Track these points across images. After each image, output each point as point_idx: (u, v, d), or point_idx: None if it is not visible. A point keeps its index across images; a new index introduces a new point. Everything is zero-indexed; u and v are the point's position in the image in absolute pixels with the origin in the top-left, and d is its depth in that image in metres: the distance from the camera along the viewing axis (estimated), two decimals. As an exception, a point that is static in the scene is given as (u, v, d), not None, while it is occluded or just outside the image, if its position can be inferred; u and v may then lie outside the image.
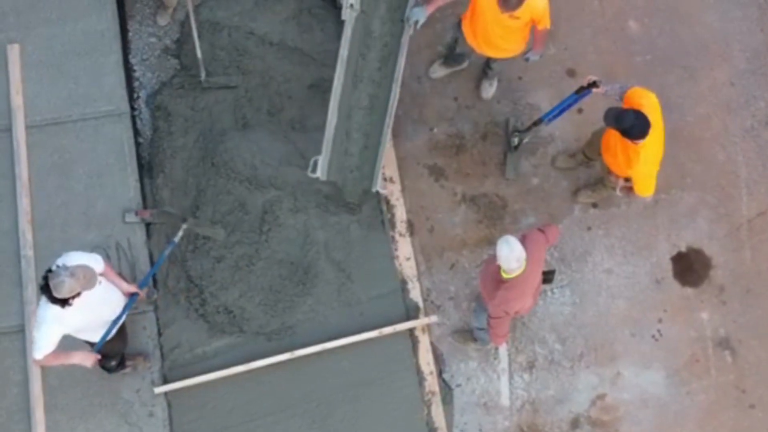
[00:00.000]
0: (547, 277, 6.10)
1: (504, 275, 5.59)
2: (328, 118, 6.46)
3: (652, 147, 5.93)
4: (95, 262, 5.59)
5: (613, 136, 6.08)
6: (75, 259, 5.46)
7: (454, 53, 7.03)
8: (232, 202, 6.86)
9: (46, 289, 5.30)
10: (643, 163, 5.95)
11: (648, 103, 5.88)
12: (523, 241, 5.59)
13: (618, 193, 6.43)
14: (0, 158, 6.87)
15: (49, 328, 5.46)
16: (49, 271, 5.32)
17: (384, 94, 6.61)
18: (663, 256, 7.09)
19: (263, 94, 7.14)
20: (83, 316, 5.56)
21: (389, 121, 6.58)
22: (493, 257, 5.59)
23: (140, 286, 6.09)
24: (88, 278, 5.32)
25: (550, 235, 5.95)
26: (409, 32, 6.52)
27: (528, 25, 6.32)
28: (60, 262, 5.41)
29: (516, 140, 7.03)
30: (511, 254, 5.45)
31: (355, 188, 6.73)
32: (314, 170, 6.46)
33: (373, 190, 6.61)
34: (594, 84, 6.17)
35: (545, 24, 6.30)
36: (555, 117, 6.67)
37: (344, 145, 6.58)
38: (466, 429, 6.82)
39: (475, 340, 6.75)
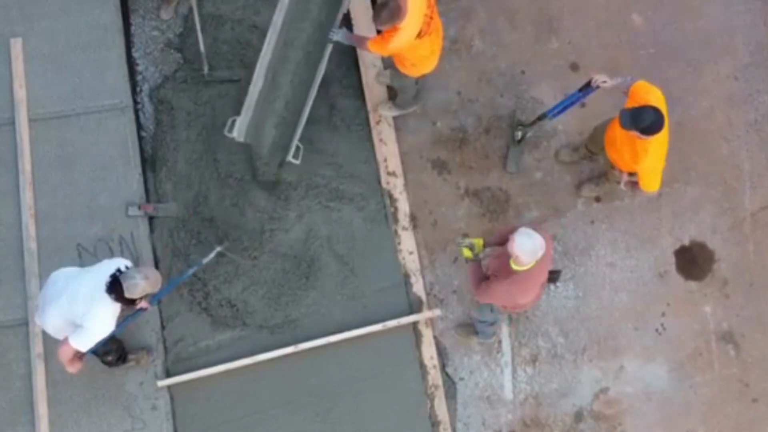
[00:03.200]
0: (553, 276, 6.10)
1: (514, 267, 5.57)
2: (253, 79, 6.38)
3: (658, 142, 5.91)
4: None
5: (616, 131, 6.06)
6: (121, 263, 5.64)
7: None
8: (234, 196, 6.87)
9: (114, 289, 5.45)
10: (651, 158, 5.93)
11: (654, 98, 5.86)
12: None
13: (622, 187, 6.41)
14: (3, 152, 6.88)
15: (105, 325, 5.57)
16: (119, 272, 5.51)
17: (313, 68, 6.58)
18: (666, 249, 7.08)
19: (266, 88, 7.14)
20: None
21: (312, 93, 6.53)
22: (501, 253, 5.56)
23: (152, 303, 6.06)
24: (157, 281, 5.57)
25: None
26: (344, 10, 6.55)
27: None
28: (121, 265, 5.59)
29: (519, 134, 7.03)
30: (533, 247, 5.42)
31: (270, 158, 6.67)
32: (231, 130, 6.40)
33: (287, 159, 6.52)
34: (599, 85, 6.14)
35: (371, 44, 6.17)
36: (559, 113, 6.67)
37: (266, 111, 6.51)
38: (470, 422, 6.82)
39: (477, 333, 6.75)
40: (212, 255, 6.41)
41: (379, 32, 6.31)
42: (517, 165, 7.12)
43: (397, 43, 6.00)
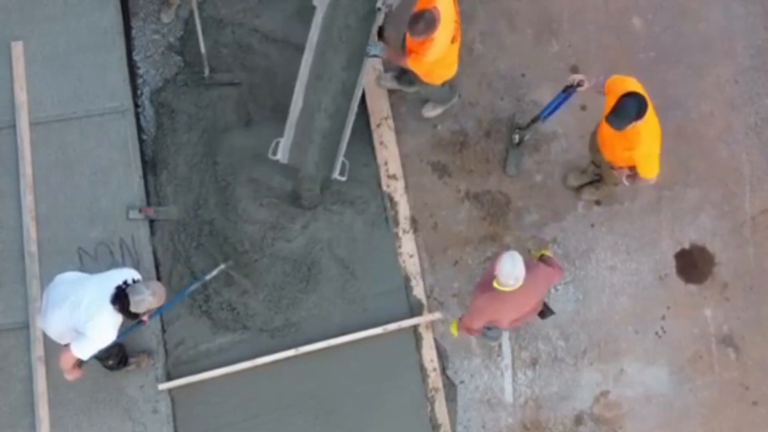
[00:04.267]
0: (543, 312, 6.14)
1: (495, 285, 5.60)
2: (293, 99, 6.38)
3: (649, 124, 5.89)
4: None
5: (604, 131, 6.06)
6: (129, 275, 5.62)
7: (405, 74, 6.96)
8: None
9: (118, 300, 5.45)
10: (645, 142, 5.90)
11: (630, 84, 5.86)
12: (528, 267, 5.55)
13: (624, 182, 6.36)
14: (4, 154, 6.88)
15: (106, 334, 5.57)
16: (126, 284, 5.49)
17: (351, 83, 6.57)
18: (666, 253, 7.09)
19: (267, 91, 7.14)
20: None
21: (353, 110, 6.52)
22: (493, 267, 5.60)
23: (152, 316, 6.00)
24: (162, 297, 5.57)
25: (555, 273, 5.95)
26: (378, 23, 6.51)
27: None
28: (128, 277, 5.57)
29: (517, 137, 7.04)
30: (512, 271, 5.46)
31: (315, 175, 6.66)
32: (275, 152, 6.40)
33: (333, 177, 6.53)
34: (579, 83, 6.18)
35: (411, 60, 6.13)
36: (550, 114, 6.68)
37: (308, 131, 6.52)
38: (470, 426, 6.83)
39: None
40: (215, 272, 6.44)
41: (403, 46, 6.30)
42: (517, 168, 7.13)
43: (434, 54, 5.99)
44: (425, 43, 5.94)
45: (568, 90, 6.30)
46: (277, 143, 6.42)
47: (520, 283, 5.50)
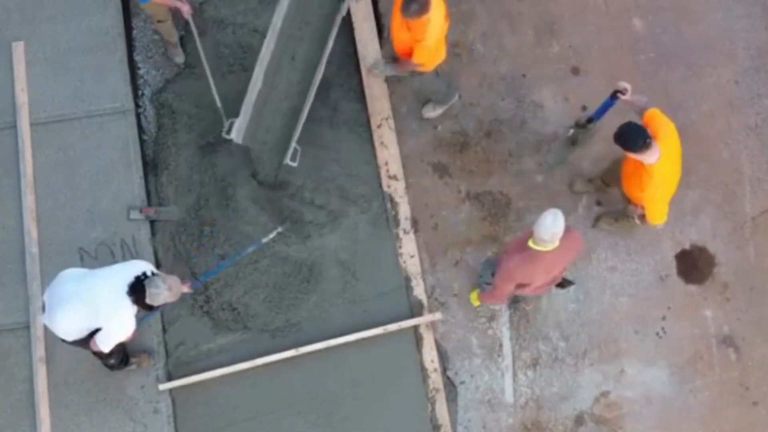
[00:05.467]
0: (563, 282, 6.14)
1: (531, 244, 5.57)
2: (251, 81, 6.35)
3: (664, 170, 5.89)
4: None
5: (628, 163, 6.07)
6: (146, 267, 5.67)
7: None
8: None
9: (135, 291, 5.50)
10: (654, 186, 5.91)
11: (666, 131, 5.85)
12: (568, 230, 5.55)
13: (637, 221, 6.41)
14: (5, 155, 6.89)
15: (127, 326, 5.65)
16: (144, 276, 5.54)
17: (312, 70, 6.57)
18: (667, 253, 7.09)
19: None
20: None
21: (310, 96, 6.52)
22: (525, 233, 5.59)
23: (195, 286, 6.21)
24: (178, 293, 5.65)
25: (581, 240, 5.94)
26: (341, 15, 6.56)
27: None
28: (147, 269, 5.63)
29: (571, 132, 7.03)
30: (551, 226, 5.42)
31: (268, 160, 6.67)
32: (229, 132, 6.37)
33: (284, 162, 6.52)
34: (623, 91, 6.18)
35: (417, 57, 6.19)
36: (600, 115, 6.69)
37: (265, 113, 6.50)
38: (470, 426, 6.83)
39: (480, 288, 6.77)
40: (272, 235, 6.49)
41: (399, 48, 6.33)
42: (556, 160, 7.13)
43: (433, 33, 6.03)
44: (421, 28, 5.96)
45: (615, 96, 6.30)
46: (232, 123, 6.37)
47: (556, 242, 5.48)
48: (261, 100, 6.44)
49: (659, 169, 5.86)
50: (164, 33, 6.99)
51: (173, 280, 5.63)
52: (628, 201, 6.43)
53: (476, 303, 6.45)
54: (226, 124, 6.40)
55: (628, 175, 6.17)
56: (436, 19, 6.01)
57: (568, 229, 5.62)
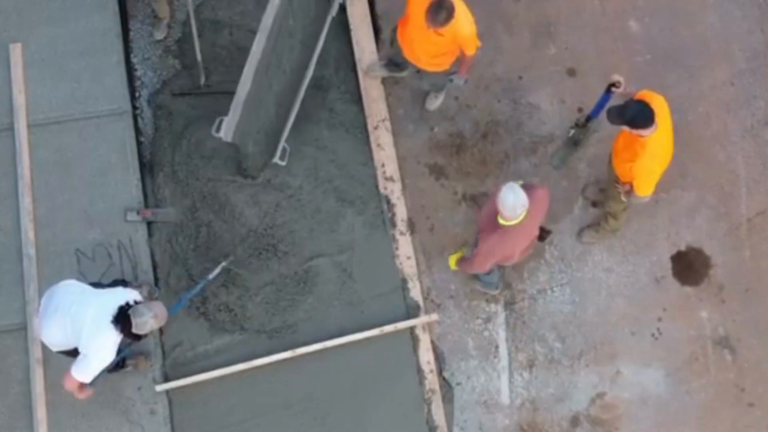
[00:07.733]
0: (543, 234, 6.14)
1: (501, 221, 5.60)
2: (241, 80, 6.25)
3: (658, 142, 5.93)
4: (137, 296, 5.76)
5: (620, 139, 6.10)
6: (132, 296, 5.65)
7: (396, 58, 6.97)
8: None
9: (120, 321, 5.49)
10: (649, 157, 5.93)
11: (657, 103, 5.92)
12: (528, 193, 5.55)
13: (623, 198, 6.43)
14: (2, 157, 6.89)
15: (107, 354, 5.60)
16: (128, 306, 5.52)
17: (302, 70, 6.59)
18: (663, 254, 7.10)
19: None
20: None
21: (299, 96, 6.54)
22: (495, 197, 5.58)
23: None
24: (164, 319, 5.62)
25: (545, 190, 5.97)
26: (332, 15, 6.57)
27: (454, 46, 6.27)
28: (130, 298, 5.60)
29: (572, 132, 7.05)
30: (515, 202, 5.45)
31: (256, 158, 6.67)
32: (218, 130, 6.31)
33: (273, 161, 6.50)
34: (616, 84, 6.26)
35: (470, 51, 6.28)
36: (597, 113, 6.72)
37: (255, 113, 6.48)
38: (467, 427, 6.84)
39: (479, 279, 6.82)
40: (218, 270, 6.46)
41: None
42: (561, 161, 7.14)
43: (466, 23, 6.07)
44: (453, 26, 5.96)
45: (609, 90, 6.34)
46: (221, 121, 6.32)
47: (526, 209, 5.50)
48: (251, 98, 6.44)
49: (653, 141, 5.89)
50: (157, 9, 7.09)
51: (158, 307, 5.60)
52: (615, 180, 6.41)
53: (453, 267, 6.44)
54: (216, 123, 6.39)
55: (619, 150, 6.18)
56: (461, 13, 6.03)
57: (530, 190, 5.62)
